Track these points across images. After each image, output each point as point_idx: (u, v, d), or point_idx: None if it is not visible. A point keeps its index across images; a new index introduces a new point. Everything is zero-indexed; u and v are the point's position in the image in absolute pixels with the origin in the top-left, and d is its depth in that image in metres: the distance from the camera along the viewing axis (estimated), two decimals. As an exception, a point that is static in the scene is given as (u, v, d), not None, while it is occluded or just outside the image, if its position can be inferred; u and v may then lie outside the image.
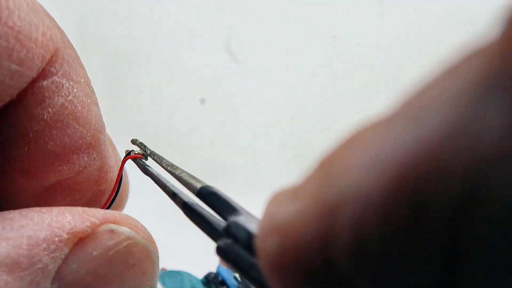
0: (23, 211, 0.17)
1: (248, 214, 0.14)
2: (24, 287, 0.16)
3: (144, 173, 0.20)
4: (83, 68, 0.19)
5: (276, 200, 0.11)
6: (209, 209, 0.16)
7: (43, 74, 0.18)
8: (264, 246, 0.10)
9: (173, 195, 0.18)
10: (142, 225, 0.19)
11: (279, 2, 0.49)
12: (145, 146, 0.21)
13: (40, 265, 0.16)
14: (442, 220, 0.07)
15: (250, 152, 0.47)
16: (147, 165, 0.20)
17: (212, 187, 0.16)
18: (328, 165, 0.10)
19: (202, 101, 0.46)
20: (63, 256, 0.16)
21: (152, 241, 0.19)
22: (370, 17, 0.49)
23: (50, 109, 0.18)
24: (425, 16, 0.49)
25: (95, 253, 0.17)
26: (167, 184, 0.18)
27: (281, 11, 0.49)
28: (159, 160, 0.19)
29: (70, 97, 0.18)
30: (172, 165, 0.18)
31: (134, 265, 0.18)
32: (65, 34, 0.19)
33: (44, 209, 0.17)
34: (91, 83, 0.20)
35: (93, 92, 0.20)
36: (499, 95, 0.07)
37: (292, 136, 0.48)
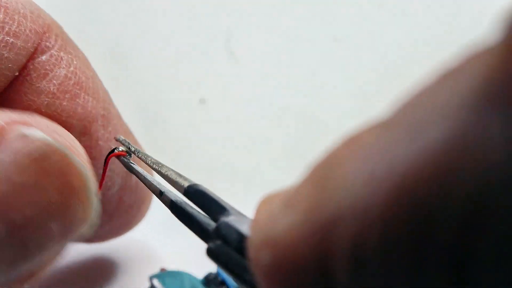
0: None
1: (239, 213, 0.14)
2: None
3: (129, 171, 0.19)
4: (79, 48, 0.20)
5: (268, 206, 0.11)
6: (198, 208, 0.15)
7: (40, 49, 0.18)
8: (258, 259, 0.10)
9: (160, 194, 0.17)
10: (64, 131, 0.17)
11: (279, 2, 0.49)
12: (129, 143, 0.20)
13: None
14: (447, 235, 0.07)
15: (251, 152, 0.47)
16: (132, 163, 0.19)
17: (199, 185, 0.15)
18: (322, 174, 0.09)
19: (202, 101, 0.46)
20: None
21: (78, 154, 0.17)
22: (373, 19, 0.48)
23: (55, 81, 0.19)
24: (426, 19, 0.49)
25: (7, 159, 0.15)
26: (153, 183, 0.18)
27: (281, 11, 0.49)
28: (144, 157, 0.19)
29: (72, 68, 0.19)
30: (157, 163, 0.18)
31: (57, 175, 0.16)
32: (54, 19, 0.20)
33: None
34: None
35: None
36: (502, 110, 0.07)
37: (292, 137, 0.48)
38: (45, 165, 0.16)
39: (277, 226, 0.10)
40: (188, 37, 0.49)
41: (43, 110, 0.19)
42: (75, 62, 0.19)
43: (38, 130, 0.16)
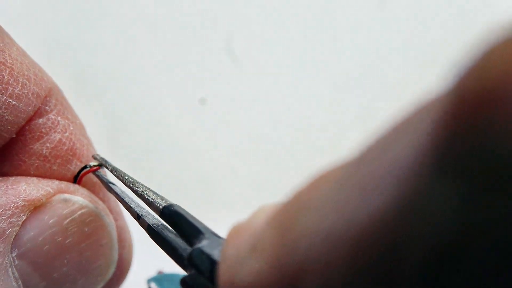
0: None
1: (213, 236, 0.14)
2: None
3: (108, 191, 0.19)
4: (76, 115, 0.20)
5: (236, 241, 0.11)
6: (174, 231, 0.15)
7: (39, 112, 0.19)
8: None
9: (138, 218, 0.17)
10: (97, 198, 0.19)
11: (280, 3, 0.49)
12: (106, 161, 0.20)
13: None
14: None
15: (251, 153, 0.47)
16: (111, 183, 0.19)
17: (175, 205, 0.16)
18: (286, 221, 0.10)
19: (202, 101, 0.46)
20: (20, 223, 0.17)
21: (107, 213, 0.19)
22: (373, 21, 0.48)
23: (48, 145, 0.19)
24: (427, 23, 0.49)
25: (51, 221, 0.17)
26: (131, 205, 0.18)
27: (282, 12, 0.49)
28: (121, 176, 0.19)
29: (67, 134, 0.19)
30: (134, 182, 0.18)
31: (90, 235, 0.18)
32: (56, 83, 0.20)
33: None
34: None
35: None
36: (451, 175, 0.06)
37: (292, 137, 0.47)
38: (83, 226, 0.18)
39: (243, 271, 0.10)
40: (188, 37, 0.49)
41: (31, 172, 0.19)
42: (71, 128, 0.19)
43: (77, 195, 0.18)
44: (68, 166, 0.19)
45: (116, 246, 0.19)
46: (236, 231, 0.12)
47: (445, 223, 0.07)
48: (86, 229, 0.18)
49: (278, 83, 0.48)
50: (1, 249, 0.16)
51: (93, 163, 0.20)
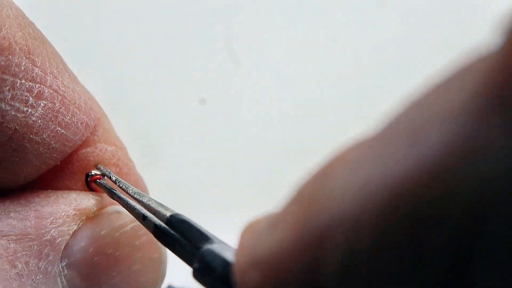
0: (30, 190, 0.17)
1: (222, 242, 0.14)
2: (33, 256, 0.16)
3: (110, 197, 0.19)
4: (120, 139, 0.20)
5: (252, 230, 0.11)
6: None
7: (87, 141, 0.19)
8: (245, 281, 0.10)
9: (143, 218, 0.17)
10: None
11: (280, 2, 0.49)
12: (109, 172, 0.19)
13: (48, 237, 0.16)
14: (447, 240, 0.07)
15: (251, 153, 0.47)
16: (113, 190, 0.19)
17: (181, 215, 0.16)
18: (308, 192, 0.09)
19: (202, 101, 0.46)
20: (70, 232, 0.17)
21: None
22: (371, 20, 0.48)
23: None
24: (428, 19, 0.49)
25: (103, 232, 0.17)
26: (136, 207, 0.18)
27: (282, 12, 0.49)
28: (125, 187, 0.18)
29: (114, 160, 0.19)
30: (139, 193, 0.18)
31: (141, 248, 0.18)
32: (103, 111, 0.20)
33: (50, 190, 0.18)
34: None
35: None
36: (503, 112, 0.07)
37: (292, 137, 0.47)
38: (135, 239, 0.18)
39: (263, 245, 0.10)
40: (189, 37, 0.49)
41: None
42: (119, 154, 0.19)
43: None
44: None
45: (165, 261, 0.19)
46: (248, 226, 0.11)
47: (496, 158, 0.06)
48: (137, 243, 0.18)
49: (278, 83, 0.48)
50: (51, 257, 0.16)
51: (95, 171, 0.19)
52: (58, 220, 0.17)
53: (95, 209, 0.18)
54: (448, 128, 0.07)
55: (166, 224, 0.16)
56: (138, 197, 0.18)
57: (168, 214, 0.16)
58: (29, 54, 0.16)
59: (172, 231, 0.16)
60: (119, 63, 0.48)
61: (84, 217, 0.17)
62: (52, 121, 0.17)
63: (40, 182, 0.18)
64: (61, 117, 0.17)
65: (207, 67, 0.48)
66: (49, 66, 0.16)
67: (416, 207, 0.07)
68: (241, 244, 0.11)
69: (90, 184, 0.19)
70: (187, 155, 0.47)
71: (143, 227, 0.18)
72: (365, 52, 0.48)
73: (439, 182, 0.07)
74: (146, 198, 0.17)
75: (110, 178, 0.19)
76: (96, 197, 0.18)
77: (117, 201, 0.18)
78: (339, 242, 0.08)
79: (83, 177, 0.19)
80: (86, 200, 0.18)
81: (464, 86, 0.07)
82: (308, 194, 0.09)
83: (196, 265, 0.13)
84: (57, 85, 0.17)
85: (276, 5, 0.49)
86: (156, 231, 0.16)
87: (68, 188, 0.18)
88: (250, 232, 0.11)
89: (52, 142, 0.17)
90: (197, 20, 0.48)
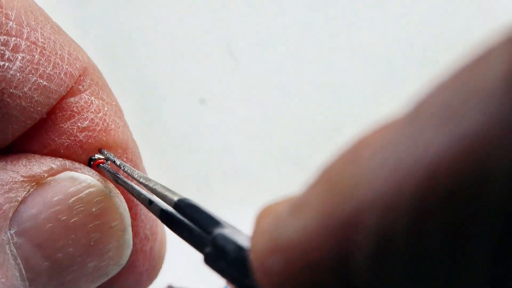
0: None
1: (232, 227, 0.13)
2: None
3: (115, 182, 0.19)
4: (114, 96, 0.20)
5: (270, 215, 0.10)
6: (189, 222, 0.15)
7: (72, 91, 0.18)
8: (267, 266, 0.10)
9: (149, 203, 0.17)
10: (107, 179, 0.19)
11: (279, 3, 0.49)
12: (114, 156, 0.19)
13: None
14: (490, 220, 0.07)
15: (251, 152, 0.47)
16: (117, 174, 0.19)
17: (190, 199, 0.15)
18: (335, 175, 0.09)
19: (202, 101, 0.46)
20: (19, 198, 0.16)
21: (118, 195, 0.18)
22: (370, 17, 0.48)
23: (79, 124, 0.18)
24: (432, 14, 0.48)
25: (55, 199, 0.17)
26: (142, 192, 0.17)
27: (281, 12, 0.49)
28: (131, 172, 0.18)
29: (100, 114, 0.18)
30: (145, 177, 0.17)
31: (99, 216, 0.17)
32: (92, 61, 0.19)
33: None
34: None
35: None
36: None
37: (292, 137, 0.47)
38: (91, 206, 0.17)
39: (287, 231, 0.09)
40: (189, 38, 0.49)
41: (61, 152, 0.18)
42: (105, 109, 0.19)
43: (85, 174, 0.17)
44: (102, 147, 0.19)
45: (129, 229, 0.18)
46: (265, 210, 0.11)
47: None
48: (93, 209, 0.17)
49: (278, 83, 0.48)
50: None
51: (98, 155, 0.19)
52: (5, 187, 0.16)
53: (46, 175, 0.17)
54: (487, 105, 0.07)
55: (173, 208, 0.15)
56: (144, 181, 0.17)
57: (175, 198, 0.15)
58: (1, 8, 0.15)
59: (180, 216, 0.15)
60: (119, 63, 0.48)
61: (35, 184, 0.17)
62: (32, 74, 0.16)
63: (25, 137, 0.18)
64: (42, 69, 0.16)
65: (207, 67, 0.48)
66: (25, 19, 0.16)
67: (456, 187, 0.07)
68: (259, 228, 0.11)
69: (93, 169, 0.19)
70: (187, 155, 0.47)
71: (102, 193, 0.17)
72: (364, 51, 0.48)
73: (480, 159, 0.07)
74: (152, 183, 0.17)
75: (114, 162, 0.19)
76: (48, 163, 0.17)
77: (122, 186, 0.18)
78: (372, 226, 0.08)
79: (67, 129, 0.18)
80: (36, 167, 0.17)
81: (497, 65, 0.07)
82: (335, 177, 0.09)
83: (208, 249, 0.13)
84: (35, 37, 0.16)
85: (276, 6, 0.49)
86: (163, 216, 0.16)
87: (51, 140, 0.18)
88: (268, 216, 0.10)
89: (35, 95, 0.16)
90: (198, 22, 0.48)
